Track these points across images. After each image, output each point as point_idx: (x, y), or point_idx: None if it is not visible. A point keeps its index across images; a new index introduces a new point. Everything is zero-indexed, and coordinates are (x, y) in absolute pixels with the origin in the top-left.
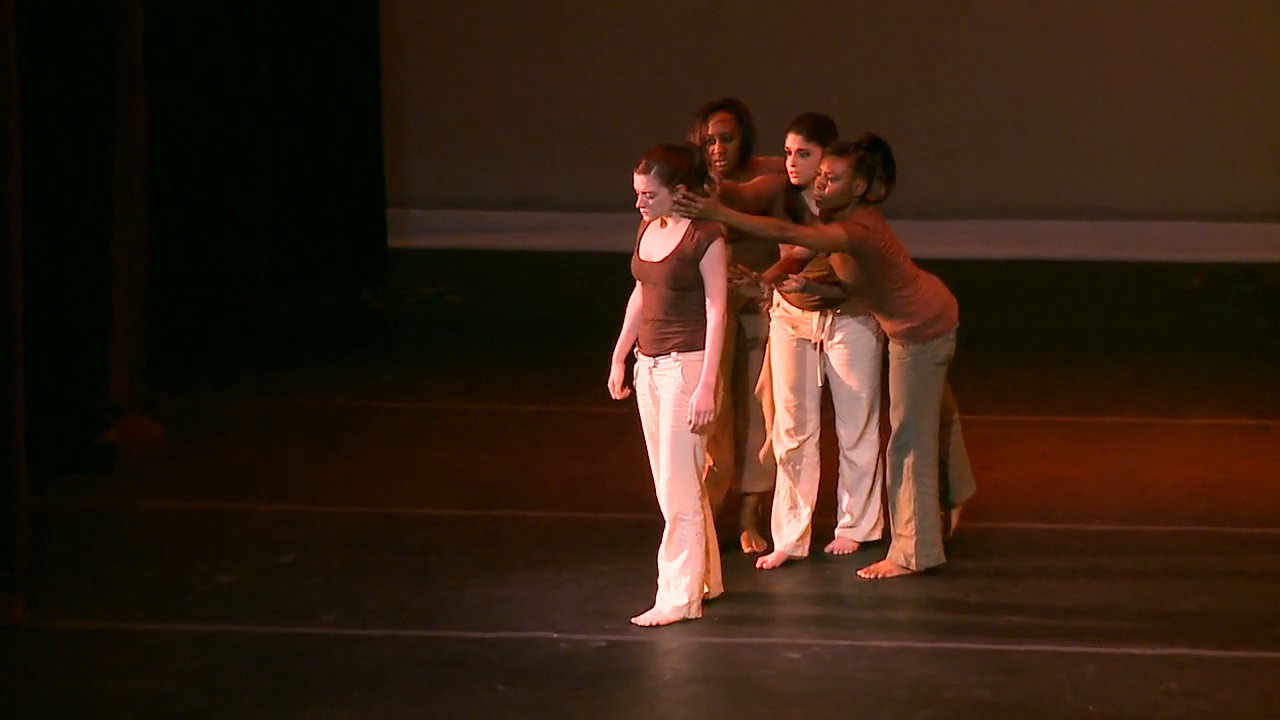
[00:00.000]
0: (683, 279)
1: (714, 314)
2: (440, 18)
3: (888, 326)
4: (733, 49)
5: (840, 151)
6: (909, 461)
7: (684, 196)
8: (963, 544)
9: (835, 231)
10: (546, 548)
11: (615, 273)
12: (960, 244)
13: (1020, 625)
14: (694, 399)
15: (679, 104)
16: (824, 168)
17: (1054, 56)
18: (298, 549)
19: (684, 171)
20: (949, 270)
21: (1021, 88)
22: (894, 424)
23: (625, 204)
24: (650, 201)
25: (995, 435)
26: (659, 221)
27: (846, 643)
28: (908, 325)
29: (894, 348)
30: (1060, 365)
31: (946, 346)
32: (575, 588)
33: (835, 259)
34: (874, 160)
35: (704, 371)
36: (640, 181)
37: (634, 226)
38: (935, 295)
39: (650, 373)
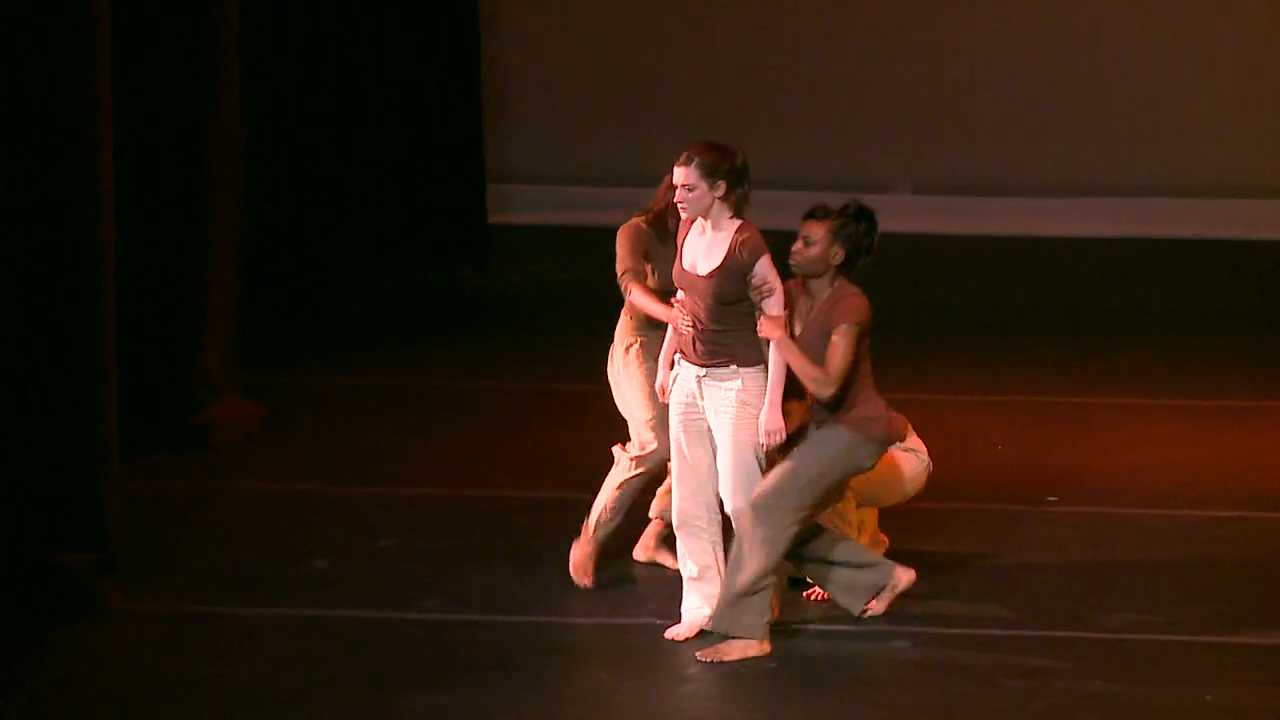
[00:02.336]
0: (729, 293)
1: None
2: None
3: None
4: (847, 19)
5: (821, 215)
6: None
7: (764, 284)
8: (1075, 531)
9: (845, 332)
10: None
11: None
12: (1056, 222)
13: (1133, 613)
14: (763, 419)
15: (791, 75)
16: (803, 230)
17: (1092, 34)
18: (396, 532)
19: (726, 169)
20: (1031, 246)
21: (1065, 63)
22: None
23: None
24: (689, 196)
25: (1109, 419)
26: (699, 227)
27: (959, 631)
28: (857, 414)
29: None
30: (1172, 348)
31: (876, 453)
32: (677, 574)
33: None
34: (856, 230)
35: (769, 389)
36: (680, 174)
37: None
38: (877, 398)
39: (699, 382)
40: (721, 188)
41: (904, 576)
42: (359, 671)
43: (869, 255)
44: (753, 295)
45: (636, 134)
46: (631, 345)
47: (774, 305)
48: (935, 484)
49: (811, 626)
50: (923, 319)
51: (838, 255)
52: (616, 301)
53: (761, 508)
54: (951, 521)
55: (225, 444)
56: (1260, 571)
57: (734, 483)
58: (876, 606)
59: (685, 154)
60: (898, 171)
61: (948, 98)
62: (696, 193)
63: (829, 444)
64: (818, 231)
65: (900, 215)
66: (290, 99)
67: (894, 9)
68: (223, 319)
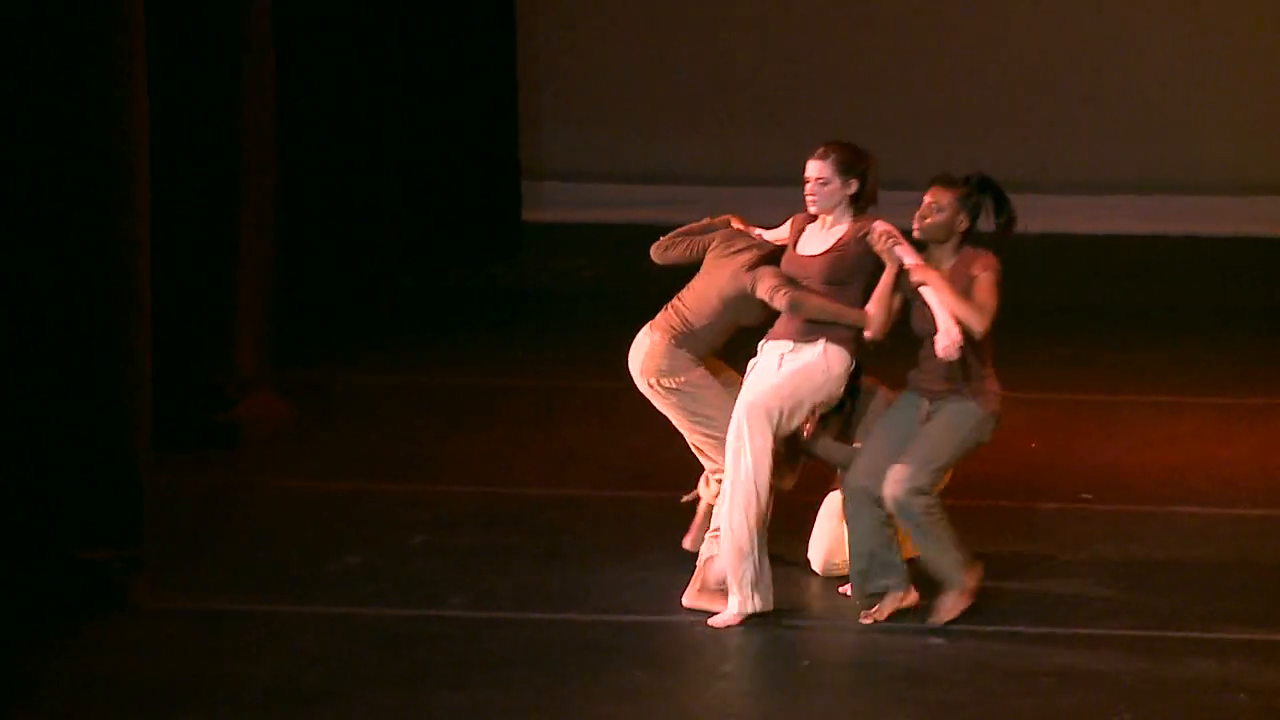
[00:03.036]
0: (839, 273)
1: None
2: None
3: (971, 385)
4: (875, 15)
5: (948, 182)
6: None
7: (887, 235)
8: (1107, 528)
9: (987, 276)
10: (682, 530)
11: None
12: (1084, 219)
13: (1166, 611)
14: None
15: (825, 74)
16: (928, 197)
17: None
18: (426, 529)
19: (861, 167)
20: (1058, 243)
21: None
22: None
23: (764, 178)
24: (821, 190)
25: (1140, 417)
26: (820, 222)
27: (992, 628)
28: (989, 389)
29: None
30: (1201, 345)
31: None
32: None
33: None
34: (979, 200)
35: (942, 315)
36: (815, 167)
37: (771, 201)
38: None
39: (782, 358)
40: (853, 185)
41: (913, 594)
42: (388, 669)
43: (1005, 224)
44: (880, 251)
45: (668, 132)
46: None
47: (907, 252)
48: (968, 482)
49: (844, 622)
50: None
51: (963, 222)
52: (645, 298)
53: (902, 502)
54: (985, 519)
55: (256, 441)
56: None
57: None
58: (878, 612)
59: (821, 149)
60: (922, 167)
61: (970, 95)
62: (830, 187)
63: (963, 424)
64: (945, 198)
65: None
66: (323, 95)
67: (917, 6)
68: (255, 316)
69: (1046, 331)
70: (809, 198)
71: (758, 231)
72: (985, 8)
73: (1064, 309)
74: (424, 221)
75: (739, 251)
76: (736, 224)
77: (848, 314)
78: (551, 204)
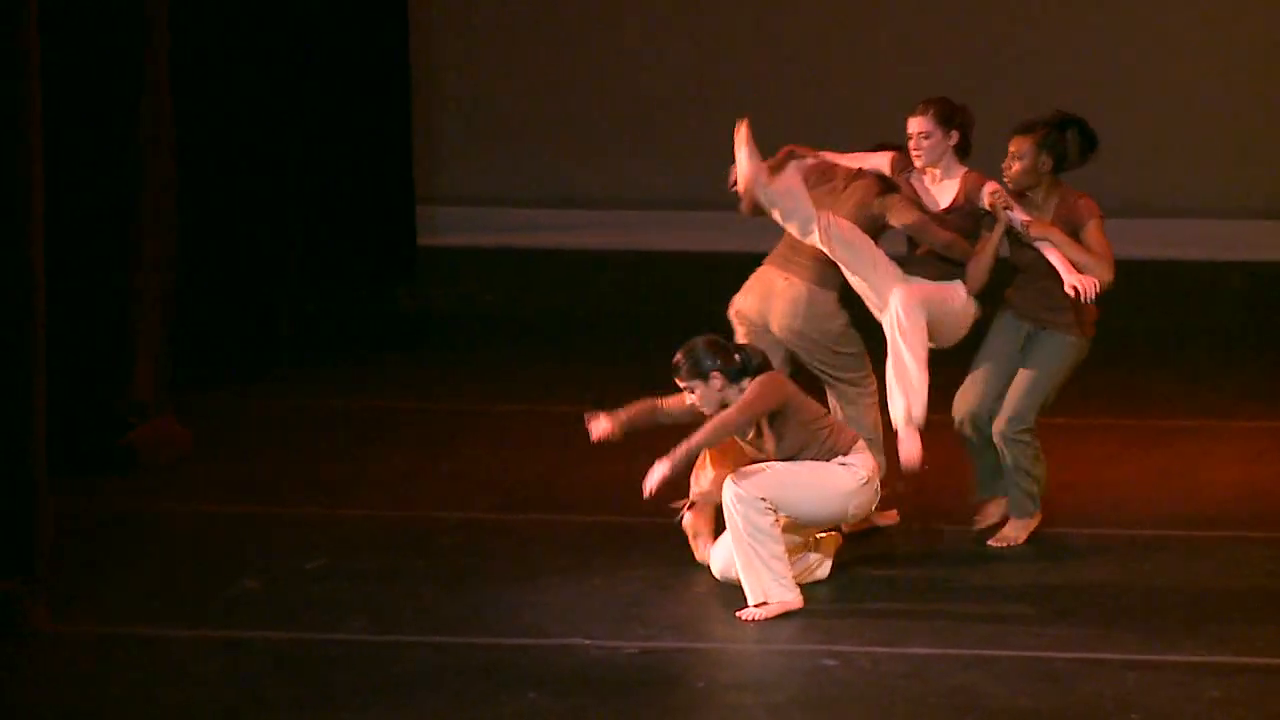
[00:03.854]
0: (963, 229)
1: None
2: (471, 12)
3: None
4: (770, 39)
5: (1025, 129)
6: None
7: (999, 194)
8: (1005, 550)
9: (1095, 224)
10: (579, 552)
11: (649, 271)
12: None
13: (1061, 632)
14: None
15: (716, 98)
16: (1010, 147)
17: (1090, 49)
18: (325, 553)
19: (959, 119)
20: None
21: (1058, 84)
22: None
23: (658, 202)
24: (925, 143)
25: (1050, 438)
26: (929, 177)
27: (885, 650)
28: (1084, 318)
29: (1064, 336)
30: (1102, 369)
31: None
32: (608, 593)
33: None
34: (1059, 137)
35: (1064, 265)
36: (916, 123)
37: (670, 224)
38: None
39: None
40: (955, 137)
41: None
42: (289, 693)
43: (1087, 154)
44: (994, 209)
45: (563, 157)
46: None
47: (1019, 212)
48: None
49: (740, 645)
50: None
51: (1045, 164)
52: (540, 322)
53: (1010, 438)
54: (880, 541)
55: (154, 466)
56: (1186, 591)
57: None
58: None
59: (921, 105)
60: None
61: (859, 120)
62: (932, 140)
63: (1064, 356)
64: (1023, 145)
65: None
66: (220, 121)
67: (833, 31)
68: (153, 340)
69: (946, 356)
70: (914, 153)
71: (828, 155)
72: (873, 30)
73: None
74: (323, 247)
75: (852, 183)
76: (803, 153)
77: (970, 264)
78: (448, 229)
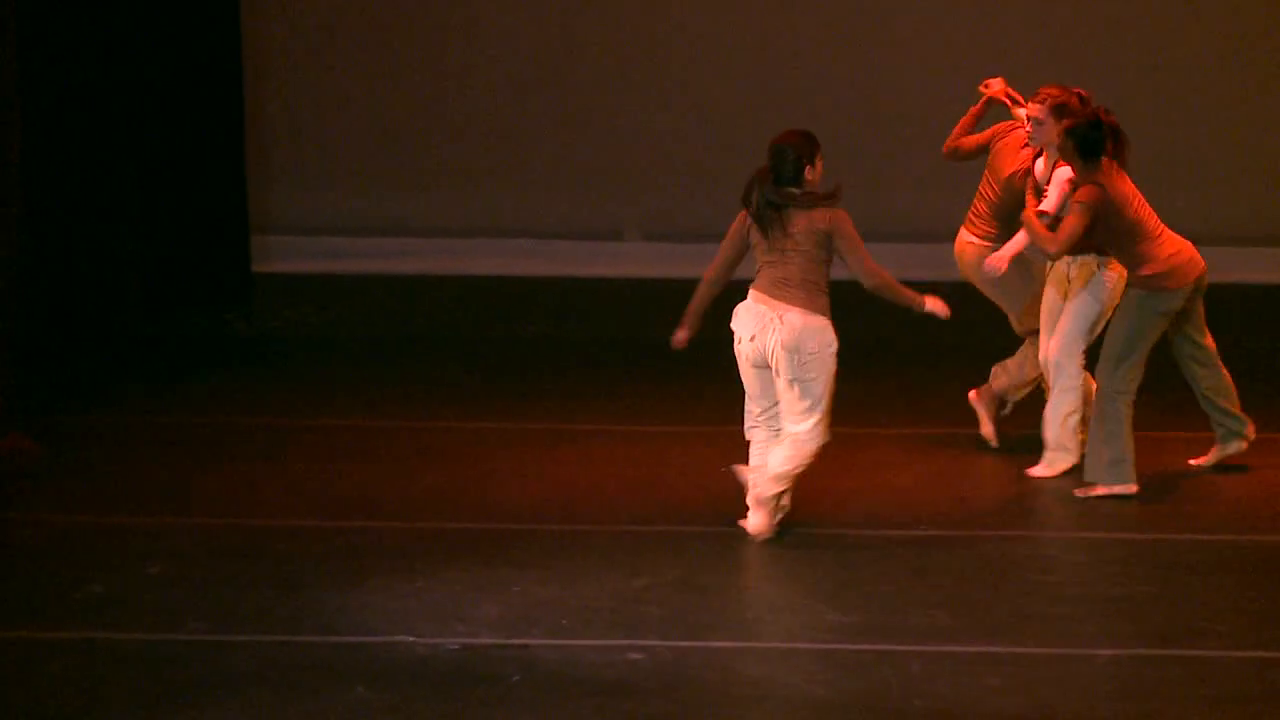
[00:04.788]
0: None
1: None
2: (301, 48)
3: (1129, 273)
4: (578, 78)
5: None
6: (1107, 391)
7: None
8: (796, 549)
9: (1077, 200)
10: (403, 556)
11: (471, 295)
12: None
13: (851, 625)
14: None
15: (530, 132)
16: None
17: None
18: (166, 560)
19: (1070, 110)
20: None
21: None
22: (1108, 358)
23: (484, 229)
24: (1039, 129)
25: (831, 447)
26: (1044, 156)
27: (688, 644)
28: (1140, 273)
29: (1128, 290)
30: (875, 380)
31: (1172, 300)
32: (430, 594)
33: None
34: (1085, 129)
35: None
36: (1033, 109)
37: (494, 251)
38: (1174, 254)
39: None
40: (1064, 124)
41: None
42: (131, 691)
43: (1115, 147)
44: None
45: (391, 187)
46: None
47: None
48: (662, 509)
49: (554, 639)
50: (649, 358)
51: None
52: (368, 343)
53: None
54: (683, 544)
55: (4, 479)
56: (965, 586)
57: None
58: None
59: (1040, 94)
60: (630, 220)
61: (671, 148)
62: (1045, 126)
63: (1126, 307)
64: (1040, 111)
65: (631, 261)
66: (60, 149)
67: (629, 64)
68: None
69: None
70: (1030, 135)
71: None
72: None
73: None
74: (162, 273)
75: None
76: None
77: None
78: (281, 256)
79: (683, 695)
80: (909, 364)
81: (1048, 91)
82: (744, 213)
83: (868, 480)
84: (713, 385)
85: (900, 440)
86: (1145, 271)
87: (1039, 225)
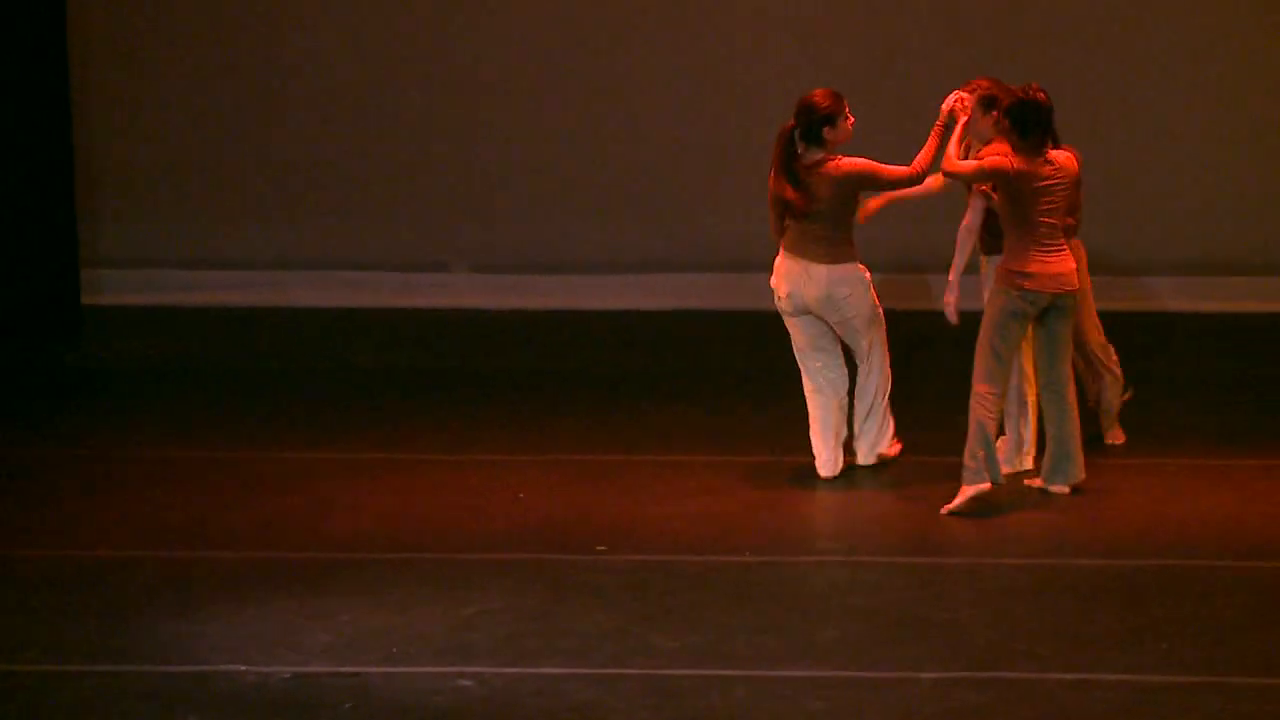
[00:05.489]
0: None
1: None
2: (130, 84)
3: (1000, 263)
4: (401, 112)
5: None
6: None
7: None
8: (622, 577)
9: (995, 153)
10: (234, 586)
11: (299, 326)
12: (600, 297)
13: (677, 650)
14: None
15: (356, 165)
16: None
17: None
18: (1, 591)
19: (999, 102)
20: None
21: None
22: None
23: (314, 262)
24: (971, 125)
25: (652, 475)
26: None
27: (518, 670)
28: (1005, 264)
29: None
30: (703, 410)
31: (1022, 302)
32: (261, 623)
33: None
34: (1021, 107)
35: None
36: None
37: (320, 283)
38: (1047, 262)
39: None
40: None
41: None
42: None
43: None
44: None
45: (215, 222)
46: None
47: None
48: (489, 537)
49: (379, 670)
50: (475, 387)
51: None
52: (198, 375)
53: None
54: (511, 572)
55: None
56: (791, 609)
57: None
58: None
59: (970, 85)
60: (456, 252)
61: (496, 181)
62: (974, 118)
63: (989, 299)
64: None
65: (457, 293)
66: None
67: (451, 97)
68: None
69: (563, 398)
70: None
71: None
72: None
73: (579, 377)
74: None
75: None
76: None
77: None
78: (110, 289)
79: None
80: (726, 392)
81: (978, 83)
82: (771, 173)
83: (692, 507)
84: (540, 414)
85: (721, 467)
86: (1009, 264)
87: (955, 143)
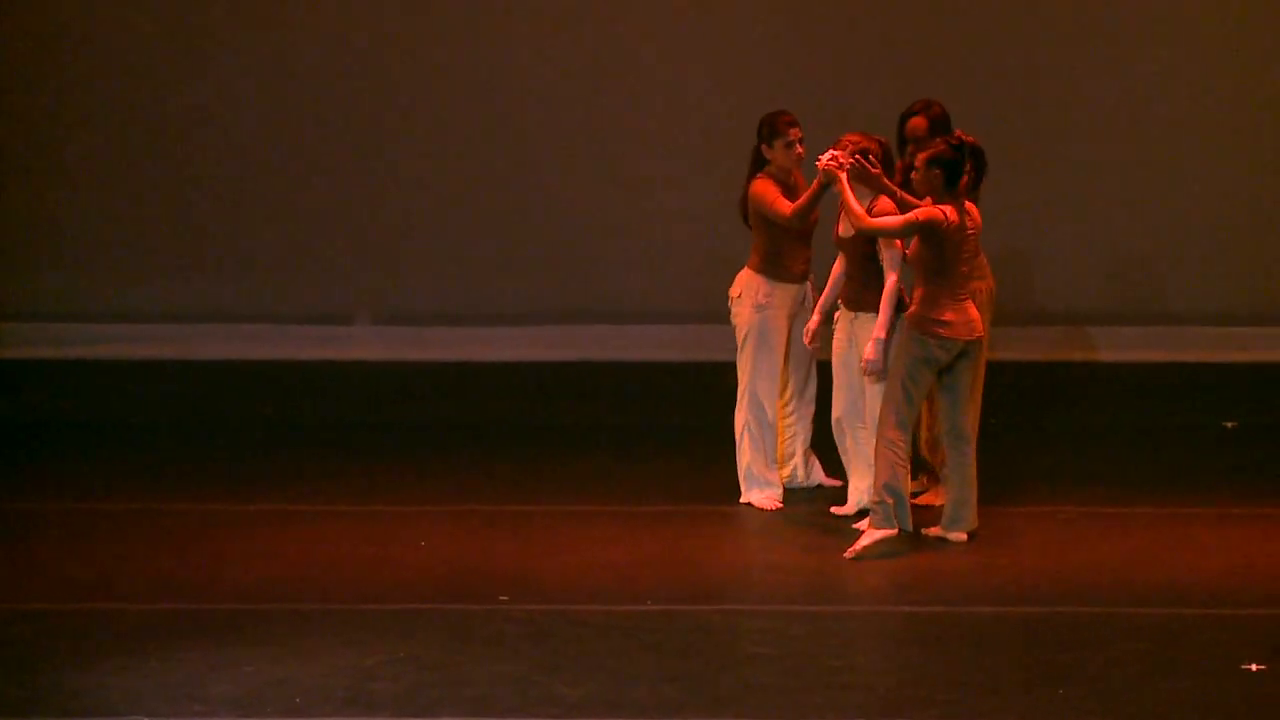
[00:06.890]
0: None
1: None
2: (31, 137)
3: (912, 309)
4: (304, 165)
5: (924, 145)
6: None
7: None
8: (523, 627)
9: (923, 208)
10: (137, 638)
11: (201, 379)
12: (503, 349)
13: (580, 699)
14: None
15: (258, 218)
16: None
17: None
18: None
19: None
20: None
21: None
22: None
23: (216, 316)
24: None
25: (555, 524)
26: None
27: None
28: (920, 310)
29: (907, 330)
30: (609, 460)
31: (936, 349)
32: (165, 675)
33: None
34: (953, 158)
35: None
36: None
37: (223, 336)
38: (961, 308)
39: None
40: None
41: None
42: None
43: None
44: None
45: (114, 275)
46: None
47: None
48: (393, 587)
49: None
50: (380, 439)
51: (936, 178)
52: (102, 428)
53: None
54: (414, 621)
55: None
56: (689, 657)
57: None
58: None
59: (842, 142)
60: (360, 305)
61: (401, 233)
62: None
63: (901, 345)
64: (920, 158)
65: (361, 346)
66: None
67: (354, 148)
68: None
69: (468, 450)
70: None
71: None
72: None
73: (484, 428)
74: None
75: None
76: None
77: None
78: (7, 343)
79: None
80: (631, 442)
81: (850, 139)
82: None
83: (592, 556)
84: (444, 465)
85: (624, 517)
86: (925, 312)
87: (856, 201)
